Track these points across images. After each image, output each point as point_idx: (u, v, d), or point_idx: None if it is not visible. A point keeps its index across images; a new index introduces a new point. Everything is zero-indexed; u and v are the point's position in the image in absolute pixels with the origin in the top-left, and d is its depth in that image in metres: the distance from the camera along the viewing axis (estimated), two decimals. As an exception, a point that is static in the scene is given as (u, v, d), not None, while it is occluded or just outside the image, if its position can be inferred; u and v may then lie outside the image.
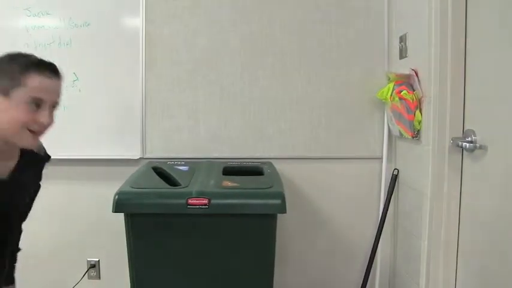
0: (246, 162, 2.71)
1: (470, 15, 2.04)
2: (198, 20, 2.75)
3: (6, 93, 1.33)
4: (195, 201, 1.98)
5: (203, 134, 2.77)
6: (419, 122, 2.32)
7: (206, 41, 2.76)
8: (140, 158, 2.75)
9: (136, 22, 2.73)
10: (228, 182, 2.17)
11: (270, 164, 2.63)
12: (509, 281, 1.71)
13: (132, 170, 2.45)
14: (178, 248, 2.05)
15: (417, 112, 2.32)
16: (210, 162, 2.66)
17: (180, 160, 2.70)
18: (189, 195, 2.00)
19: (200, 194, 2.00)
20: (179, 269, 2.06)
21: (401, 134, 2.51)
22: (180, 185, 2.15)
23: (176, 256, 2.05)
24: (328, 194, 2.82)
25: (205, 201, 1.98)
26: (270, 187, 2.10)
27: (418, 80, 2.34)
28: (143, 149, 2.76)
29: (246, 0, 2.75)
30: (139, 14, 2.72)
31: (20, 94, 1.33)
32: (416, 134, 2.36)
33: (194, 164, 2.59)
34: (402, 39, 2.59)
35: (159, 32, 2.74)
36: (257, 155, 2.77)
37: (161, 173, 2.39)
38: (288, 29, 2.76)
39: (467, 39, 2.06)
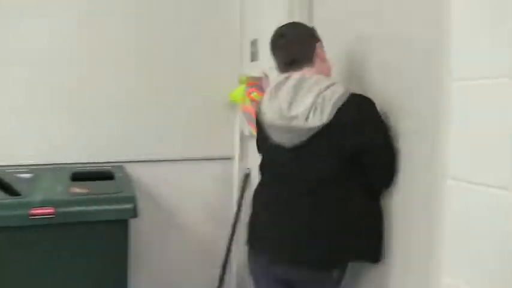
0: (96, 167, 2.59)
1: (315, 21, 2.17)
2: (30, 16, 2.53)
3: (322, 47, 1.70)
4: (39, 211, 1.86)
5: (50, 137, 2.58)
6: (269, 123, 2.41)
7: (56, 38, 2.57)
8: (-27, 167, 2.47)
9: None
10: (77, 189, 2.07)
11: (122, 168, 2.56)
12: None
13: (-37, 180, 2.20)
14: (20, 266, 1.88)
15: (267, 113, 2.41)
16: (57, 168, 2.50)
17: (22, 167, 2.48)
18: (32, 205, 1.87)
19: (45, 203, 1.89)
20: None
21: (252, 134, 2.59)
22: (22, 194, 1.99)
23: (18, 275, 1.88)
24: (183, 196, 2.82)
25: (51, 210, 1.87)
26: (121, 192, 2.05)
27: (268, 83, 2.43)
28: (-23, 156, 2.49)
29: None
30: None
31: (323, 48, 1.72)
32: (266, 135, 2.45)
33: (39, 170, 2.41)
34: (254, 43, 2.67)
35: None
36: (108, 159, 2.65)
37: (-1, 181, 2.19)
38: (138, 30, 2.70)
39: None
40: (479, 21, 0.99)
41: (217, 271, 2.79)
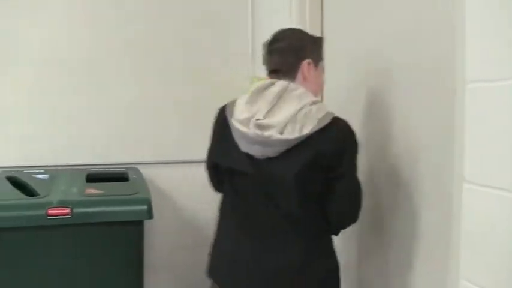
0: (111, 168, 2.62)
1: (325, 23, 2.19)
2: (57, 16, 2.59)
3: (316, 65, 1.58)
4: (55, 211, 1.89)
5: (65, 139, 2.62)
6: (282, 125, 2.43)
7: (67, 39, 2.61)
8: (-9, 167, 2.52)
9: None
10: (92, 190, 2.09)
11: (136, 170, 2.58)
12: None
13: (-19, 181, 2.25)
14: (37, 266, 1.91)
15: (279, 115, 2.42)
16: (72, 169, 2.53)
17: (39, 168, 2.52)
18: (49, 205, 1.90)
19: (61, 203, 1.91)
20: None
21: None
22: (39, 194, 2.02)
23: (35, 275, 1.91)
24: (197, 197, 2.82)
25: (68, 211, 1.90)
26: (136, 193, 2.07)
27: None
28: (-5, 157, 2.53)
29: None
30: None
31: (322, 66, 1.63)
32: (279, 137, 2.46)
33: (55, 171, 2.44)
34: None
35: (12, 26, 2.52)
36: (123, 160, 2.69)
37: (17, 182, 2.22)
38: (151, 32, 2.73)
39: (324, 48, 2.20)
40: (493, 22, 0.98)
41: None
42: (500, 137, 0.96)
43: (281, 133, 1.38)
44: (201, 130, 2.81)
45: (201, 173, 2.81)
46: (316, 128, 1.38)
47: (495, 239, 0.99)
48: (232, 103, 1.59)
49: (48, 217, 1.87)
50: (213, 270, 1.64)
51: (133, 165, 2.67)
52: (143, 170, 2.61)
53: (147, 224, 2.07)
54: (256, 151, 1.43)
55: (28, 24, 2.55)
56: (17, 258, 1.89)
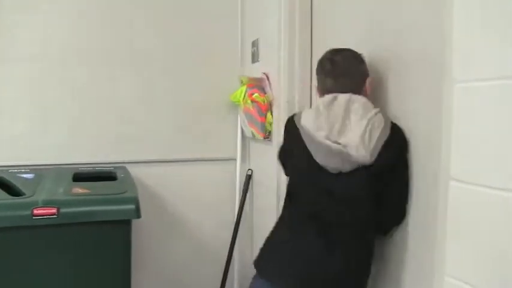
0: (98, 167, 2.60)
1: (315, 22, 2.19)
2: (50, 13, 2.56)
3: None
4: (41, 211, 1.86)
5: (51, 138, 2.59)
6: (271, 124, 2.42)
7: (58, 36, 2.58)
8: (-25, 167, 2.48)
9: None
10: (79, 189, 2.06)
11: (124, 169, 2.56)
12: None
13: (-35, 181, 2.21)
14: (23, 266, 1.89)
15: (268, 114, 2.42)
16: (59, 168, 2.50)
17: (24, 167, 2.48)
18: (35, 205, 1.86)
19: (47, 203, 1.88)
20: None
21: (253, 135, 2.60)
22: (24, 194, 1.99)
23: (21, 275, 1.88)
24: (185, 197, 2.82)
25: (54, 211, 1.87)
26: (124, 192, 2.04)
27: (269, 84, 2.44)
28: (-21, 156, 2.49)
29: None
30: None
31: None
32: (267, 135, 2.46)
33: (41, 171, 2.41)
34: (254, 43, 2.68)
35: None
36: (110, 159, 2.66)
37: (1, 182, 2.19)
38: (139, 31, 2.71)
39: (313, 46, 2.20)
40: (481, 23, 0.99)
41: (220, 271, 2.80)
42: (487, 136, 0.98)
43: (356, 151, 1.47)
44: (189, 129, 2.82)
45: (189, 172, 2.83)
46: (378, 149, 1.47)
47: (481, 236, 1.00)
48: (298, 115, 1.67)
49: (34, 217, 1.84)
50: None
51: (121, 164, 2.64)
52: (131, 169, 2.58)
53: (135, 223, 2.05)
54: (333, 163, 1.52)
55: (18, 22, 2.51)
56: (2, 259, 1.86)
